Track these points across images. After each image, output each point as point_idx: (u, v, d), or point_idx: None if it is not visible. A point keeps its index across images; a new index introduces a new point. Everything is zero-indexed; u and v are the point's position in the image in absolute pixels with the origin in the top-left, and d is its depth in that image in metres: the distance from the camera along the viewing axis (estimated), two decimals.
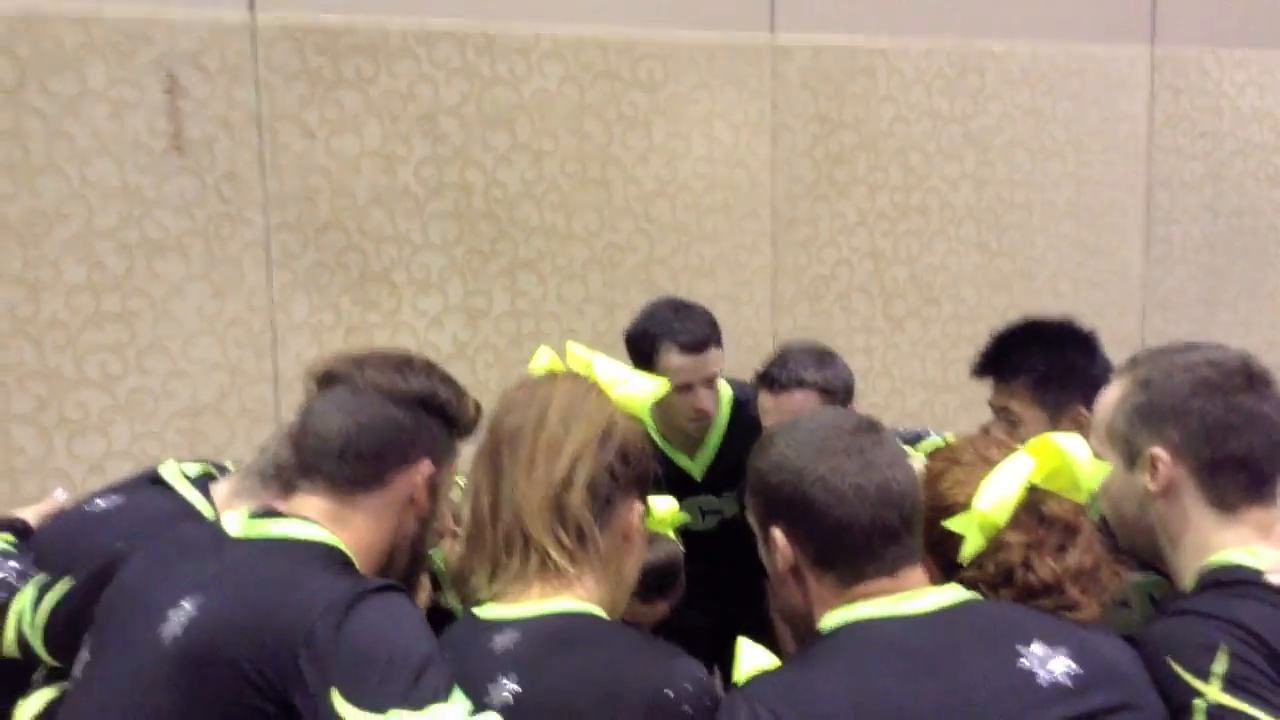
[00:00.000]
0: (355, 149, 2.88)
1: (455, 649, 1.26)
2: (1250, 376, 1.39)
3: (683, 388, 2.47)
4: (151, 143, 2.74)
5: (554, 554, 1.27)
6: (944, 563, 1.31)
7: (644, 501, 1.41)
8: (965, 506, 1.31)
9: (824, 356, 2.35)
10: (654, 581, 2.03)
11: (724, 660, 1.31)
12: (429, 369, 1.54)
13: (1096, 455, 1.47)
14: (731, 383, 2.75)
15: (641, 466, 1.38)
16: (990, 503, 1.29)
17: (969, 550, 1.30)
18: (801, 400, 2.28)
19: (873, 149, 3.41)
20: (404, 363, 1.53)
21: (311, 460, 1.46)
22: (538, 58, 3.03)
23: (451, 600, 1.88)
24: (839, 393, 2.31)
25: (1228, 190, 3.85)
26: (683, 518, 2.16)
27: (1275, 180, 3.92)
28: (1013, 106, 3.54)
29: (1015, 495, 1.30)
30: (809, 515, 1.25)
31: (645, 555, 1.98)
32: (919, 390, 3.56)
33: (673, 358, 2.45)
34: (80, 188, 2.69)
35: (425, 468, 1.48)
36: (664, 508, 2.10)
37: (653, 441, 2.64)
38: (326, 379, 1.52)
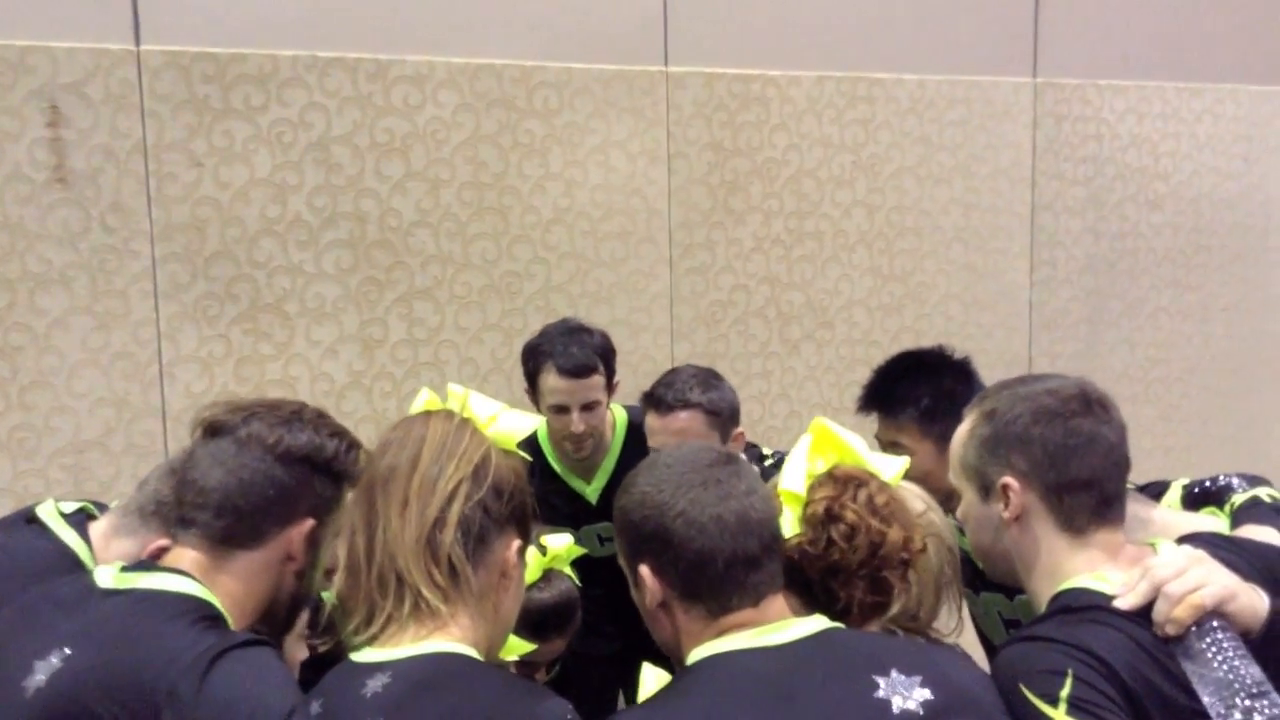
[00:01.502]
0: (244, 178, 2.85)
1: (328, 695, 1.26)
2: (1088, 401, 1.45)
3: (559, 409, 2.57)
4: (33, 174, 2.68)
5: (427, 593, 1.27)
6: (805, 595, 1.35)
7: (523, 537, 1.42)
8: None
9: (710, 379, 2.40)
10: (550, 620, 2.03)
11: (628, 685, 1.33)
12: (318, 422, 1.53)
13: (956, 489, 1.54)
14: (628, 408, 2.79)
15: (517, 501, 1.38)
16: (788, 479, 1.42)
17: (792, 527, 1.39)
18: (687, 420, 2.32)
19: (766, 176, 3.47)
20: (293, 416, 1.51)
21: (188, 513, 1.45)
22: (432, 86, 3.03)
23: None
24: (723, 414, 2.36)
25: (1109, 214, 4.00)
26: (578, 551, 2.17)
27: (1154, 204, 4.07)
28: (901, 135, 3.63)
29: (805, 464, 1.43)
30: (672, 549, 1.28)
31: (525, 592, 1.99)
32: (816, 412, 3.60)
33: (550, 379, 2.54)
34: None
35: (306, 526, 1.47)
36: (559, 544, 2.11)
37: (549, 468, 2.69)
38: (211, 429, 1.50)
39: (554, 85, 3.18)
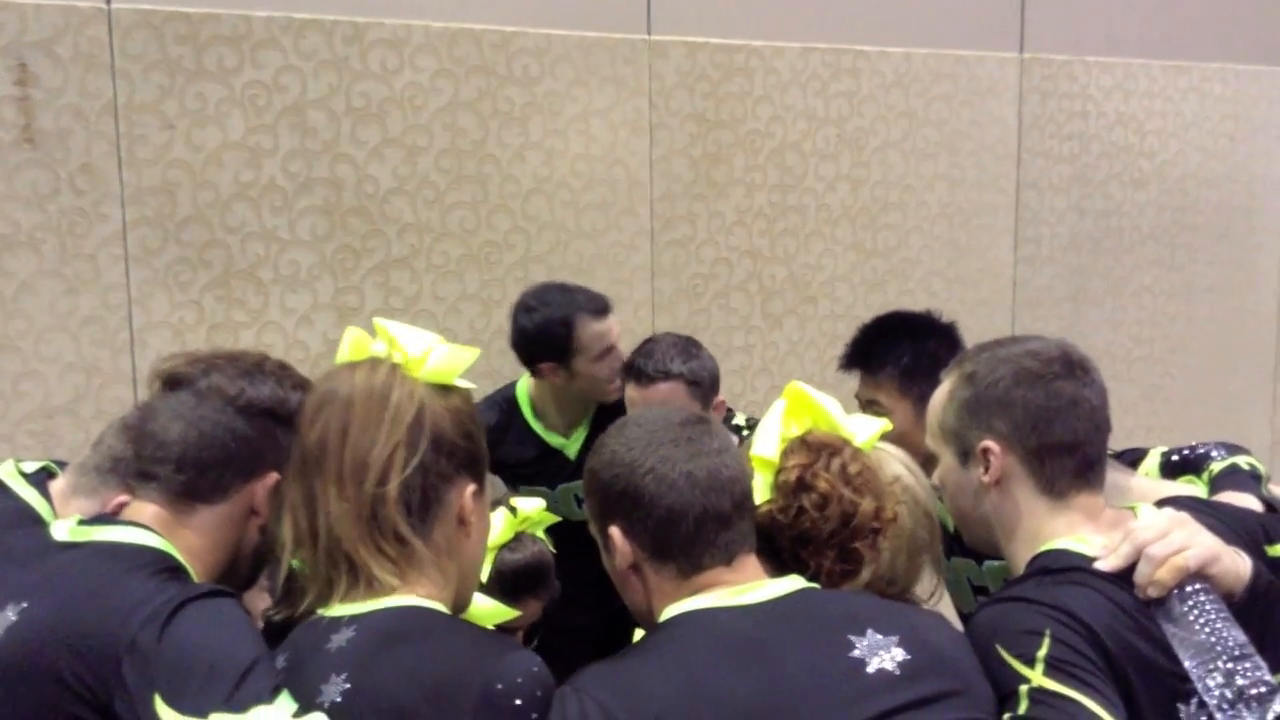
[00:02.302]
0: (218, 141, 2.79)
1: (296, 649, 1.24)
2: (1069, 364, 1.43)
3: (606, 352, 2.51)
4: (1, 134, 2.62)
5: (378, 571, 1.23)
6: (774, 562, 1.33)
7: (477, 479, 1.34)
8: None
9: (689, 348, 2.37)
10: (522, 582, 2.01)
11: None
12: (281, 373, 1.48)
13: (934, 454, 1.51)
14: None
15: (461, 448, 1.30)
16: (761, 445, 1.40)
17: (763, 493, 1.37)
18: (667, 391, 2.29)
19: (750, 149, 3.43)
20: (254, 367, 1.47)
21: (147, 466, 1.42)
22: (410, 51, 2.98)
23: None
24: (704, 383, 2.33)
25: (1094, 192, 3.98)
26: (550, 518, 2.14)
27: (1139, 182, 4.05)
28: (886, 109, 3.59)
29: (778, 430, 1.41)
30: (642, 507, 1.25)
31: (495, 553, 1.96)
32: None
33: (590, 326, 2.48)
34: None
35: (269, 480, 1.43)
36: (531, 508, 2.08)
37: (527, 426, 2.65)
38: (171, 382, 1.47)
39: (534, 52, 3.13)
